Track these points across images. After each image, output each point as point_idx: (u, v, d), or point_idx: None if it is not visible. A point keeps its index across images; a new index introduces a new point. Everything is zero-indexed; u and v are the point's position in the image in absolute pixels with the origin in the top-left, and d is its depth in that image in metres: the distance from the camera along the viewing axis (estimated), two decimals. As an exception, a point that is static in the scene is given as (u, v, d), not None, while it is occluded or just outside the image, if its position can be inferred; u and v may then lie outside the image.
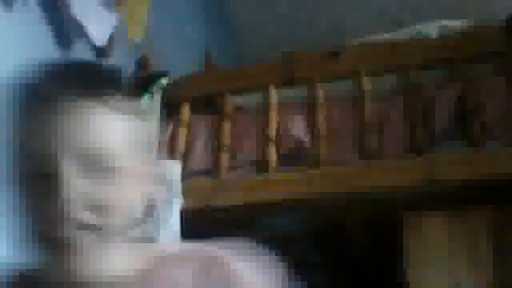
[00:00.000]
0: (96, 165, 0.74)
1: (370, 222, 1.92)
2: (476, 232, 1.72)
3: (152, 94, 2.03)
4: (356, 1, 3.46)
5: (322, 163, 1.83)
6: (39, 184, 0.75)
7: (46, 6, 1.77)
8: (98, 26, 1.87)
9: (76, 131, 0.74)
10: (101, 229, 0.74)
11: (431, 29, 2.18)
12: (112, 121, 0.76)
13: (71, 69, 0.83)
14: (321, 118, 1.93)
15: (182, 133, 2.05)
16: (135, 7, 2.08)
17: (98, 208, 0.74)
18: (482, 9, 2.96)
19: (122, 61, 2.18)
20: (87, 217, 0.73)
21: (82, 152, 0.73)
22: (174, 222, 1.68)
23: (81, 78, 0.78)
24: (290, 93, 2.11)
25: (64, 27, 1.83)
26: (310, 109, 1.98)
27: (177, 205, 1.72)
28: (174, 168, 1.80)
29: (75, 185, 0.73)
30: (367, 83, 1.97)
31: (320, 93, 1.99)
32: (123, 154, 0.76)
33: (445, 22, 2.21)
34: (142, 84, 2.06)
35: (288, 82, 2.08)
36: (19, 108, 0.79)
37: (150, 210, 1.76)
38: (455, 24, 2.17)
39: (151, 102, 2.02)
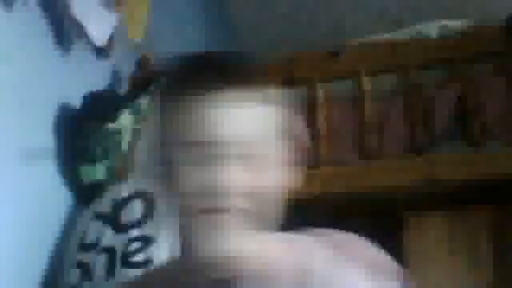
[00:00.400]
0: (245, 151, 0.77)
1: (370, 221, 1.92)
2: (476, 232, 1.72)
3: (152, 93, 2.03)
4: (356, 1, 3.46)
5: (322, 163, 1.83)
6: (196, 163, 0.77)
7: (46, 6, 1.77)
8: (98, 25, 1.87)
9: (211, 120, 0.77)
10: (248, 211, 0.77)
11: (431, 29, 2.18)
12: (244, 109, 0.78)
13: (203, 59, 0.84)
14: (321, 118, 1.93)
15: (182, 133, 2.05)
16: (135, 7, 2.08)
17: (249, 195, 0.77)
18: (482, 9, 2.96)
19: (122, 61, 2.18)
20: (241, 203, 0.76)
21: (234, 140, 0.76)
22: (175, 223, 1.67)
23: (211, 68, 0.80)
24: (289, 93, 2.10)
25: (64, 27, 1.83)
26: (309, 109, 1.98)
27: (178, 204, 1.71)
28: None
29: (229, 166, 0.75)
30: (367, 83, 1.97)
31: (320, 93, 1.99)
32: (259, 141, 0.79)
33: (445, 22, 2.21)
34: (142, 84, 2.06)
35: (288, 82, 2.08)
36: (157, 97, 0.83)
37: (150, 209, 1.76)
38: (455, 24, 2.17)
39: (151, 102, 2.02)
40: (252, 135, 0.78)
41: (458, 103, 1.87)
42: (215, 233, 0.77)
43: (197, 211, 0.77)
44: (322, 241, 0.89)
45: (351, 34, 2.49)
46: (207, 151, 0.77)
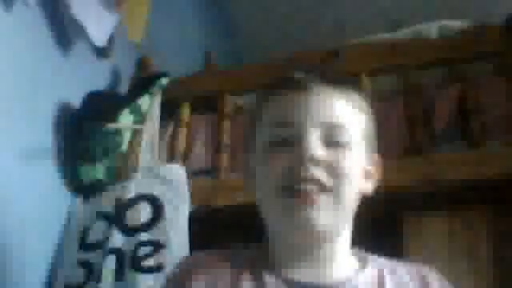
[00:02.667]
0: (335, 137, 0.86)
1: (370, 221, 1.92)
2: (476, 232, 1.72)
3: (152, 93, 2.03)
4: (356, 1, 3.46)
5: (322, 163, 1.83)
6: (288, 145, 0.86)
7: (45, 6, 1.77)
8: (98, 25, 1.87)
9: (324, 108, 0.88)
10: (333, 191, 0.84)
11: (431, 29, 2.18)
12: (346, 105, 0.90)
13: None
14: (321, 118, 1.93)
15: (182, 133, 2.05)
16: (135, 7, 2.08)
17: (334, 172, 0.84)
18: (482, 9, 2.96)
19: (122, 61, 2.18)
20: (324, 178, 0.84)
21: (326, 125, 0.87)
22: (183, 226, 1.68)
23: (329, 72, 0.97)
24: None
25: (64, 27, 1.83)
26: (310, 109, 1.98)
27: (185, 208, 1.72)
28: (180, 173, 1.80)
29: (317, 148, 0.84)
30: (367, 83, 1.97)
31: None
32: (356, 137, 0.89)
33: (445, 22, 2.21)
34: (141, 84, 2.06)
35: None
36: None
37: (158, 214, 1.77)
38: (455, 24, 2.17)
39: (151, 102, 2.02)
40: (340, 123, 0.88)
41: (458, 103, 1.87)
42: (304, 207, 0.83)
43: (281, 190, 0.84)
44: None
45: (351, 34, 2.49)
46: (297, 131, 0.86)
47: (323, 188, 0.83)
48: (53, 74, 1.80)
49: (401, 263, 0.94)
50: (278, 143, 0.87)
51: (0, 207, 1.51)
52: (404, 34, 2.24)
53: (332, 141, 0.86)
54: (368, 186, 0.93)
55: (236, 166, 1.93)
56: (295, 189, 0.83)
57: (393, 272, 0.90)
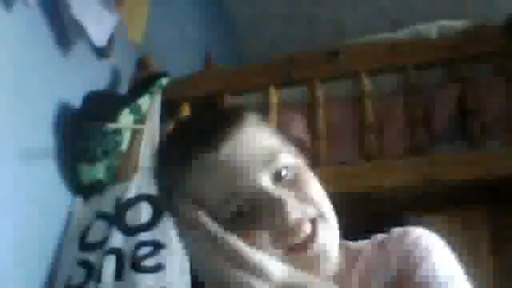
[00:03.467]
0: (279, 169, 0.78)
1: (370, 221, 1.92)
2: (476, 232, 1.72)
3: (152, 93, 2.03)
4: (356, 1, 3.46)
5: (322, 163, 1.83)
6: (248, 215, 0.76)
7: (45, 6, 1.77)
8: (98, 26, 1.87)
9: (250, 156, 0.78)
10: (320, 216, 0.79)
11: (431, 29, 2.18)
12: (262, 134, 0.81)
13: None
14: (321, 118, 1.93)
15: (182, 133, 2.04)
16: (135, 7, 2.08)
17: (306, 202, 0.79)
18: (482, 9, 2.96)
19: (122, 61, 2.18)
20: (305, 213, 0.77)
21: (265, 165, 0.77)
22: None
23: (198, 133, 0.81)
24: (290, 93, 2.10)
25: (64, 27, 1.83)
26: (309, 109, 1.98)
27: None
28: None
29: (280, 193, 0.76)
30: (367, 83, 1.97)
31: (320, 93, 1.99)
32: (287, 152, 0.82)
33: (445, 22, 2.21)
34: (141, 84, 2.06)
35: (288, 82, 2.08)
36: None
37: (158, 214, 1.76)
38: (455, 24, 2.17)
39: (151, 102, 2.02)
40: (273, 154, 0.79)
41: (458, 103, 1.87)
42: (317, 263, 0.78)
43: (284, 253, 0.76)
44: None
45: (351, 34, 2.49)
46: (248, 195, 0.76)
47: (313, 221, 0.78)
48: (53, 74, 1.80)
49: (383, 238, 0.93)
50: (236, 219, 0.76)
51: (0, 207, 1.51)
52: (404, 34, 2.24)
53: (279, 173, 0.78)
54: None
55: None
56: (296, 250, 0.77)
57: (378, 254, 0.89)
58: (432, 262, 0.85)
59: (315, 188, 0.82)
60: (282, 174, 0.79)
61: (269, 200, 0.75)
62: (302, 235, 0.77)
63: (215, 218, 0.73)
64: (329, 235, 0.80)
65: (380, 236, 0.94)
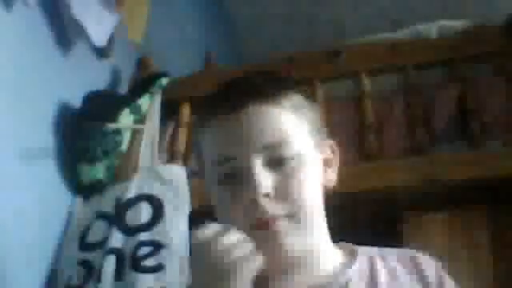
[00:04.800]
0: (279, 155, 0.82)
1: (370, 221, 1.92)
2: (476, 232, 1.72)
3: (152, 93, 2.03)
4: (356, 1, 3.46)
5: (322, 163, 1.82)
6: (234, 181, 0.82)
7: (45, 6, 1.77)
8: (98, 26, 1.87)
9: (260, 129, 0.82)
10: (293, 216, 0.81)
11: (431, 29, 2.18)
12: (282, 116, 0.84)
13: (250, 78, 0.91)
14: (321, 118, 1.93)
15: (182, 133, 2.04)
16: (135, 7, 2.08)
17: (286, 199, 0.81)
18: (482, 9, 2.96)
19: (121, 61, 2.18)
20: (279, 209, 0.80)
21: (267, 147, 0.82)
22: (183, 226, 1.68)
23: (252, 84, 0.87)
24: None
25: (64, 27, 1.83)
26: (309, 109, 1.98)
27: (185, 208, 1.72)
28: (181, 173, 1.80)
29: (264, 177, 0.80)
30: (367, 83, 1.97)
31: (320, 93, 1.99)
32: (300, 141, 0.84)
33: (445, 22, 2.21)
34: (141, 84, 2.06)
35: (288, 81, 2.08)
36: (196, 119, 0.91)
37: (158, 214, 1.77)
38: (455, 24, 2.17)
39: (151, 102, 2.02)
40: (280, 139, 0.83)
41: (458, 103, 1.87)
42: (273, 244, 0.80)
43: (248, 228, 0.81)
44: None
45: (351, 34, 2.49)
46: (239, 163, 0.82)
47: (280, 218, 0.80)
48: (53, 74, 1.80)
49: (392, 250, 0.94)
50: (224, 181, 0.84)
51: (0, 207, 1.51)
52: (404, 34, 2.24)
53: (277, 159, 0.82)
54: (330, 177, 0.90)
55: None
56: (257, 225, 0.80)
57: (385, 261, 0.89)
58: None
59: (302, 187, 0.83)
60: (276, 162, 0.82)
61: (251, 183, 0.80)
62: (269, 220, 0.80)
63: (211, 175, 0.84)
64: (294, 236, 0.81)
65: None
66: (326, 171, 0.90)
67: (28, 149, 1.64)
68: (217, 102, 0.87)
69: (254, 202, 0.80)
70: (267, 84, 0.87)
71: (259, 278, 0.82)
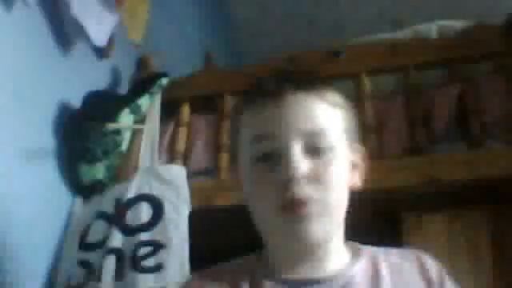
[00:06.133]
0: (317, 144, 0.86)
1: (370, 221, 1.92)
2: (476, 232, 1.72)
3: (152, 93, 2.03)
4: (356, 1, 3.46)
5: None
6: (270, 161, 0.86)
7: (45, 6, 1.77)
8: (98, 26, 1.87)
9: (302, 116, 0.87)
10: (322, 202, 0.85)
11: (431, 29, 2.18)
12: (324, 108, 0.90)
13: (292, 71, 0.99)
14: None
15: (182, 133, 2.05)
16: (135, 7, 2.08)
17: (320, 184, 0.85)
18: (482, 9, 2.96)
19: (122, 61, 2.18)
20: (312, 192, 0.84)
21: (307, 133, 0.86)
22: (183, 226, 1.68)
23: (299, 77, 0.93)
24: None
25: (64, 27, 1.84)
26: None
27: (185, 208, 1.72)
28: (180, 173, 1.80)
29: (301, 164, 0.84)
30: (367, 83, 1.97)
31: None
32: (337, 136, 0.89)
33: (445, 22, 2.21)
34: (141, 84, 2.06)
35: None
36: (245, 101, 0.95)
37: (158, 214, 1.78)
38: (455, 24, 2.17)
39: (151, 102, 2.02)
40: (320, 129, 0.87)
41: (458, 103, 1.86)
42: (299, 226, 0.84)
43: (275, 209, 0.84)
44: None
45: (351, 34, 2.49)
46: (278, 144, 0.86)
47: (312, 201, 0.84)
48: (53, 74, 1.80)
49: (394, 249, 0.96)
50: (261, 159, 0.87)
51: (0, 207, 1.51)
52: (404, 33, 2.24)
53: (314, 147, 0.86)
54: (356, 179, 0.94)
55: (236, 165, 1.93)
56: (287, 207, 0.84)
57: (387, 259, 0.92)
58: None
59: (335, 178, 0.87)
60: (314, 150, 0.86)
61: (288, 164, 0.84)
62: (300, 203, 0.83)
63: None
64: (320, 224, 0.85)
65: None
66: (353, 172, 0.93)
67: (28, 149, 1.64)
68: (264, 85, 0.91)
69: (289, 183, 0.83)
70: (313, 77, 0.94)
71: (271, 265, 0.87)
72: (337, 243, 0.92)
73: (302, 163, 0.84)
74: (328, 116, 0.89)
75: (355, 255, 0.93)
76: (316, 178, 0.84)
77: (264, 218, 0.88)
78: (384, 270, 0.89)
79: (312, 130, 0.86)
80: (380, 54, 2.04)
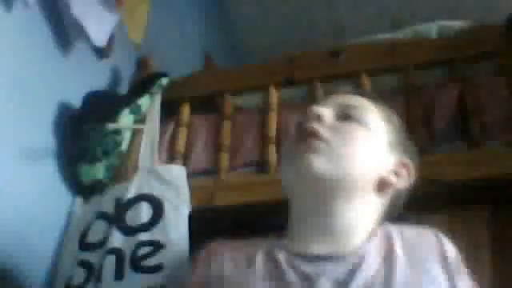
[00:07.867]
0: (349, 112, 0.94)
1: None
2: (476, 232, 1.72)
3: (152, 93, 2.03)
4: (356, 1, 3.46)
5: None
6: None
7: (45, 6, 1.77)
8: (98, 26, 1.87)
9: (350, 99, 0.98)
10: (331, 142, 0.92)
11: (431, 29, 2.18)
12: (371, 105, 1.00)
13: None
14: (321, 118, 1.93)
15: (182, 133, 2.04)
16: (135, 7, 2.08)
17: (337, 133, 0.93)
18: (482, 9, 2.96)
19: (121, 61, 2.19)
20: (326, 132, 0.92)
21: (344, 105, 0.95)
22: (183, 226, 1.67)
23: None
24: (289, 93, 2.10)
25: (64, 27, 1.84)
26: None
27: (185, 208, 1.72)
28: (180, 173, 1.80)
29: (325, 111, 0.95)
30: (367, 83, 1.97)
31: (320, 93, 1.99)
32: (372, 116, 0.97)
33: (445, 22, 2.21)
34: (141, 84, 2.06)
35: (288, 82, 2.08)
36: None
37: (158, 214, 1.80)
38: (455, 24, 2.17)
39: (151, 102, 2.02)
40: (358, 105, 0.97)
41: (458, 103, 1.86)
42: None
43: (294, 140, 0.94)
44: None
45: (351, 34, 2.49)
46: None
47: (324, 139, 0.90)
48: (53, 74, 1.80)
49: (411, 227, 1.00)
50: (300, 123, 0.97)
51: (0, 207, 1.51)
52: (404, 33, 2.24)
53: (346, 115, 0.93)
54: (393, 179, 1.00)
55: (236, 166, 1.93)
56: (302, 137, 0.92)
57: (402, 237, 0.95)
58: None
59: (355, 140, 0.93)
60: (345, 116, 0.94)
61: (311, 110, 0.94)
62: (310, 137, 0.92)
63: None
64: (327, 160, 0.90)
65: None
66: (394, 174, 1.00)
67: (28, 149, 1.64)
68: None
69: (308, 119, 0.92)
70: (370, 92, 1.07)
71: (290, 239, 0.93)
72: (354, 219, 0.94)
73: (326, 111, 0.93)
74: (372, 109, 0.97)
75: (372, 234, 0.95)
76: (337, 129, 0.91)
77: (286, 165, 0.96)
78: (398, 248, 0.91)
79: (348, 103, 0.95)
80: (380, 54, 2.04)
